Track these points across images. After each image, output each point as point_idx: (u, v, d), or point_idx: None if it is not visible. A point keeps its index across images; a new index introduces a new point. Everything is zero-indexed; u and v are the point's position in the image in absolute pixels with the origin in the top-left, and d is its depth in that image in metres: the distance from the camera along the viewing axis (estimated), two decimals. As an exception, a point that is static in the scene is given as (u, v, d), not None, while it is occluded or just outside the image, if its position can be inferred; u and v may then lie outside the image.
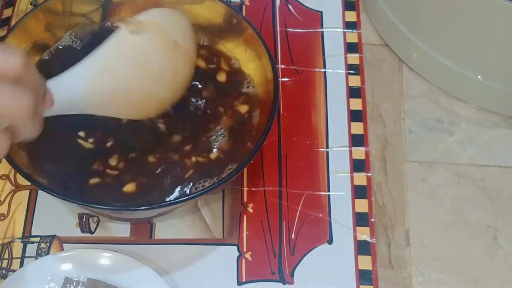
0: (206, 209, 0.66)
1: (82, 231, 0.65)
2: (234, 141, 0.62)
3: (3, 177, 0.67)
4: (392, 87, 0.74)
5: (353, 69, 0.74)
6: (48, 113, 0.47)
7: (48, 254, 0.63)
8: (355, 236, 0.64)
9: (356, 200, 0.66)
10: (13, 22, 0.77)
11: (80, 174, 0.59)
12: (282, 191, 0.67)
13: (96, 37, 0.65)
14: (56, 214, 0.65)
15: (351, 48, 0.76)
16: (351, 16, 0.78)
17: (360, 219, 0.65)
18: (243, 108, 0.64)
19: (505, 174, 0.69)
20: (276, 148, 0.69)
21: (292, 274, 0.62)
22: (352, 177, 0.68)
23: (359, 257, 0.63)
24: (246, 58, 0.66)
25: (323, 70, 0.74)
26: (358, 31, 0.77)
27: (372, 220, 0.65)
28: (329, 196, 0.67)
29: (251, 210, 0.66)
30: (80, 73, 0.51)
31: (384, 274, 0.63)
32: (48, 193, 0.55)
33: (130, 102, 0.54)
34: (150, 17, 0.54)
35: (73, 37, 0.66)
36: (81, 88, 0.50)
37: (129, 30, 0.52)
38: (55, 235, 0.64)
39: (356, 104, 0.72)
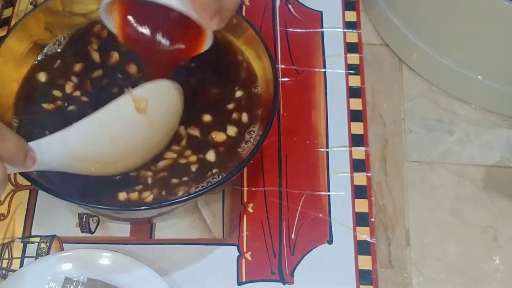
0: (206, 209, 0.66)
1: (82, 231, 0.65)
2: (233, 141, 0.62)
3: (3, 177, 0.67)
4: (392, 87, 0.74)
5: (353, 69, 0.74)
6: (30, 169, 0.49)
7: (48, 254, 0.63)
8: (355, 236, 0.64)
9: (356, 200, 0.66)
10: (13, 22, 0.77)
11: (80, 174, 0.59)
12: (282, 191, 0.67)
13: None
14: (56, 214, 0.65)
15: (351, 48, 0.76)
16: (351, 16, 0.78)
17: (360, 219, 0.65)
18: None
19: (505, 174, 0.69)
20: (276, 148, 0.69)
21: (292, 274, 0.62)
22: (352, 177, 0.68)
23: (359, 257, 0.63)
24: (247, 55, 0.66)
25: (323, 70, 0.74)
26: (358, 31, 0.77)
27: (372, 220, 0.65)
28: (329, 196, 0.67)
29: (251, 210, 0.66)
30: (64, 138, 0.52)
31: (384, 274, 0.63)
32: (48, 193, 0.55)
33: (106, 163, 0.56)
34: (143, 92, 0.56)
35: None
36: (63, 152, 0.52)
37: (135, 105, 0.55)
38: (55, 235, 0.64)
39: (356, 104, 0.72)
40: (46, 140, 0.51)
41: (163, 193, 0.58)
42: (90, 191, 0.58)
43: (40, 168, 0.50)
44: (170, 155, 0.60)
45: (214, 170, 0.60)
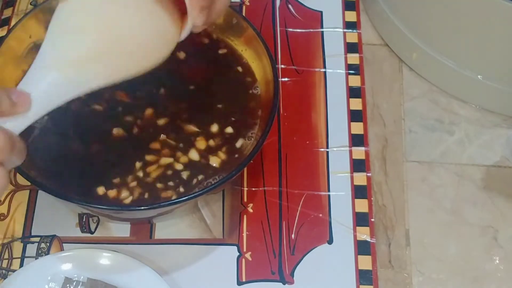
0: (206, 209, 0.66)
1: (82, 231, 0.65)
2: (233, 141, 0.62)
3: (3, 177, 0.67)
4: (392, 87, 0.74)
5: (353, 69, 0.74)
6: (42, 112, 0.46)
7: (48, 254, 0.63)
8: (355, 236, 0.64)
9: (356, 200, 0.66)
10: (13, 22, 0.77)
11: (80, 174, 0.59)
12: (282, 191, 0.67)
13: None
14: (56, 214, 0.65)
15: (351, 48, 0.76)
16: (351, 16, 0.78)
17: (360, 219, 0.65)
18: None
19: (505, 174, 0.69)
20: (276, 148, 0.69)
21: (292, 274, 0.62)
22: (352, 177, 0.68)
23: (359, 257, 0.63)
24: (246, 58, 0.66)
25: (323, 70, 0.74)
26: (358, 31, 0.77)
27: (372, 220, 0.65)
28: (329, 196, 0.67)
29: (251, 210, 0.66)
30: (45, 54, 0.47)
31: (384, 274, 0.63)
32: (48, 193, 0.55)
33: (118, 54, 0.49)
34: None
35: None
36: (54, 66, 0.47)
37: None
38: (55, 235, 0.64)
39: (356, 104, 0.72)
40: (29, 75, 0.46)
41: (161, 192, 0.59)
42: (70, 184, 0.58)
43: (47, 108, 0.46)
44: (164, 160, 0.60)
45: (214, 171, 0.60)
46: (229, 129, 0.62)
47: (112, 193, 0.58)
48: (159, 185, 0.58)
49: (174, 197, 0.58)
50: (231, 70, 0.65)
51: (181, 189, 0.58)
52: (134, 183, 0.58)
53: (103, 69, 0.49)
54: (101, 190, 0.58)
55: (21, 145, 0.44)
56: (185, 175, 0.59)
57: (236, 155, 0.60)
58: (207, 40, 0.67)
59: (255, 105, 0.63)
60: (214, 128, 0.62)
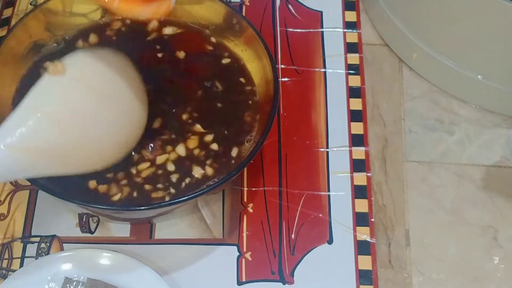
0: (206, 209, 0.66)
1: (82, 231, 0.65)
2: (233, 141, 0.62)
3: (3, 177, 0.67)
4: (392, 87, 0.74)
5: (353, 69, 0.74)
6: None
7: (48, 254, 0.63)
8: (355, 236, 0.64)
9: (356, 200, 0.66)
10: (13, 22, 0.77)
11: (80, 174, 0.59)
12: (282, 191, 0.67)
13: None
14: (56, 214, 0.65)
15: (351, 48, 0.76)
16: (351, 16, 0.78)
17: (360, 219, 0.65)
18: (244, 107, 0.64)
19: (505, 174, 0.69)
20: (276, 148, 0.69)
21: (292, 274, 0.62)
22: (352, 177, 0.68)
23: (359, 257, 0.63)
24: (246, 58, 0.66)
25: (323, 70, 0.74)
26: (358, 31, 0.77)
27: (372, 220, 0.65)
28: (329, 196, 0.67)
29: (251, 210, 0.66)
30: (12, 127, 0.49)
31: (384, 274, 0.63)
32: (48, 193, 0.55)
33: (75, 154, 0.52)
34: (72, 61, 0.54)
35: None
36: (11, 156, 0.49)
37: (51, 72, 0.52)
38: (55, 235, 0.64)
39: (356, 104, 0.72)
40: None
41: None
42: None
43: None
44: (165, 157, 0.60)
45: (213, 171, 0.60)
46: (228, 129, 0.62)
47: (102, 188, 0.58)
48: (147, 187, 0.58)
49: (167, 198, 0.58)
50: (232, 79, 0.65)
51: (172, 191, 0.58)
52: (124, 181, 0.58)
53: (59, 163, 0.51)
54: (92, 184, 0.58)
55: None
56: (174, 178, 0.59)
57: (236, 156, 0.60)
58: (210, 47, 0.67)
59: (253, 112, 0.63)
60: (211, 129, 0.62)
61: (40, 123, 0.50)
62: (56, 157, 0.51)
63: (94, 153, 0.54)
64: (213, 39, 0.67)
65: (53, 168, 0.52)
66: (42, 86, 0.52)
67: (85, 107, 0.52)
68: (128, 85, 0.56)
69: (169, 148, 0.60)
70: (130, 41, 0.65)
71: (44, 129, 0.50)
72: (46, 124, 0.50)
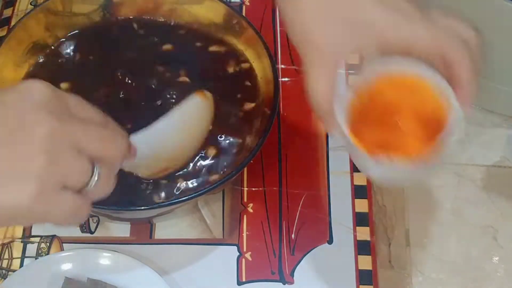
0: (206, 209, 0.66)
1: (82, 231, 0.65)
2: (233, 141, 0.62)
3: (3, 177, 0.67)
4: (392, 87, 0.74)
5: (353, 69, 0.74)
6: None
7: (48, 254, 0.63)
8: (355, 236, 0.64)
9: (356, 200, 0.66)
10: (13, 22, 0.77)
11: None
12: (282, 191, 0.67)
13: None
14: (56, 214, 0.65)
15: (351, 48, 0.76)
16: (351, 16, 0.78)
17: (360, 219, 0.65)
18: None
19: (505, 174, 0.69)
20: (276, 148, 0.69)
21: (292, 274, 0.62)
22: (352, 177, 0.68)
23: (359, 257, 0.63)
24: (246, 58, 0.66)
25: (323, 70, 0.74)
26: (358, 31, 0.77)
27: (372, 220, 0.65)
28: (329, 196, 0.66)
29: (251, 210, 0.66)
30: (155, 134, 0.55)
31: (384, 274, 0.63)
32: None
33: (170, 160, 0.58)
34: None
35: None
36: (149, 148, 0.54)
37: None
38: (55, 235, 0.64)
39: (356, 104, 0.72)
40: (137, 138, 0.51)
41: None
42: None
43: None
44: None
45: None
46: (227, 130, 0.62)
47: None
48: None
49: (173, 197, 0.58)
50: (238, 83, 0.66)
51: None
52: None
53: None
54: None
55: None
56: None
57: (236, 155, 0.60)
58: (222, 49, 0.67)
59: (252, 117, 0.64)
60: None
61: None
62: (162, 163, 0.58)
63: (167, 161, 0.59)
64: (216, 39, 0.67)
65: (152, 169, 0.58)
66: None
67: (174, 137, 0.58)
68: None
69: None
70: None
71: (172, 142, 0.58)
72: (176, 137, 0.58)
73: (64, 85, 0.64)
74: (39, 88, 0.39)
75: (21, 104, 0.39)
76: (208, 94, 0.61)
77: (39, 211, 0.38)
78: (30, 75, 0.64)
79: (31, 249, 0.63)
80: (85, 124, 0.40)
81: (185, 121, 0.59)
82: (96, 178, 0.40)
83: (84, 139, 0.39)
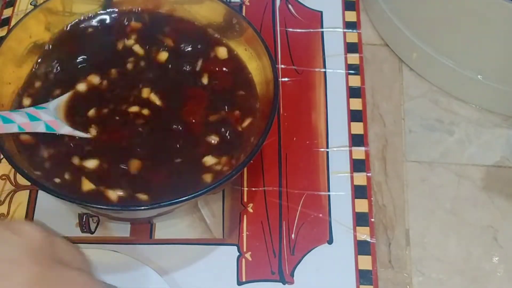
0: (206, 209, 0.66)
1: (82, 231, 0.65)
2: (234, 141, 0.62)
3: (3, 177, 0.67)
4: (392, 87, 0.74)
5: (353, 69, 0.74)
6: None
7: (48, 254, 0.63)
8: (355, 236, 0.64)
9: (356, 200, 0.66)
10: (13, 22, 0.77)
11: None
12: (282, 191, 0.67)
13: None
14: (56, 214, 0.65)
15: (351, 48, 0.76)
16: (351, 16, 0.78)
17: (360, 219, 0.65)
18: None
19: (505, 174, 0.69)
20: (276, 148, 0.69)
21: (292, 274, 0.62)
22: (352, 177, 0.68)
23: (359, 257, 0.63)
24: (246, 58, 0.66)
25: (323, 70, 0.74)
26: (358, 31, 0.77)
27: (372, 220, 0.65)
28: (329, 196, 0.67)
29: (251, 210, 0.66)
30: None
31: (384, 274, 0.63)
32: (48, 193, 0.55)
33: None
34: None
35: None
36: None
37: None
38: (55, 235, 0.64)
39: (356, 104, 0.72)
40: None
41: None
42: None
43: None
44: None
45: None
46: (227, 130, 0.62)
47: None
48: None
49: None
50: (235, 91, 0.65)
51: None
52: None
53: None
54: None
55: None
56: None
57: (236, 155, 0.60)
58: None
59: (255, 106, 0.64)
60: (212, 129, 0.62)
61: None
62: None
63: None
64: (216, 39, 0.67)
65: None
66: None
67: None
68: None
69: None
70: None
71: None
72: None
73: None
74: (31, 233, 0.42)
75: (6, 249, 0.41)
76: None
77: None
78: (30, 75, 0.64)
79: (31, 249, 0.63)
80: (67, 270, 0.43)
81: None
82: None
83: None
